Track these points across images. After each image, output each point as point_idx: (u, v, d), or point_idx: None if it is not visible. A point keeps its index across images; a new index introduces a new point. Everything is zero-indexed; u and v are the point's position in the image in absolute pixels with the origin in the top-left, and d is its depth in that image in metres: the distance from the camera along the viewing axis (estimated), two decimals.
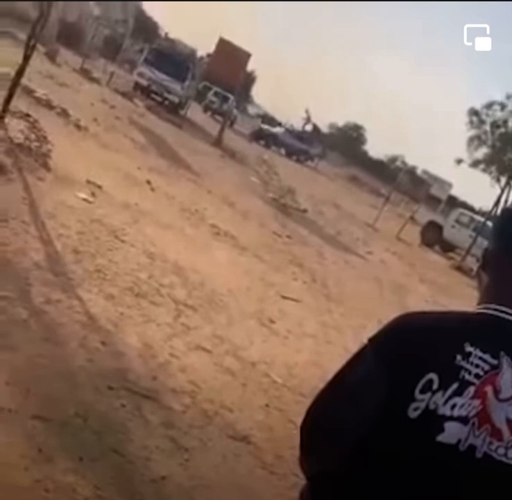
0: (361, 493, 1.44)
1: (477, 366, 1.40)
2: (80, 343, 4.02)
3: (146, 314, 5.02)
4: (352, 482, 1.46)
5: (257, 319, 6.24)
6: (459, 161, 22.18)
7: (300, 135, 40.53)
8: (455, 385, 1.38)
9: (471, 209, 31.77)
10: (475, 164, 22.03)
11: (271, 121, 53.64)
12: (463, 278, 19.09)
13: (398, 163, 61.71)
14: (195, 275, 6.56)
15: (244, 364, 4.91)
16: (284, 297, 7.44)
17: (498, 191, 21.57)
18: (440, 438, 1.38)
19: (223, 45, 29.05)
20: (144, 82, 26.22)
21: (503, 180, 21.47)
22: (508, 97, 21.42)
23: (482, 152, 21.96)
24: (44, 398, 3.25)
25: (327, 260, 11.16)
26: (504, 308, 1.45)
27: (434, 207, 41.37)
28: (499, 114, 21.62)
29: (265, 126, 39.92)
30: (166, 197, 9.64)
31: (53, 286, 4.63)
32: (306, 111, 46.35)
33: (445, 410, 1.38)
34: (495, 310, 1.46)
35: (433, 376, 1.38)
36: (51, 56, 21.23)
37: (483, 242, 21.39)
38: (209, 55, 36.85)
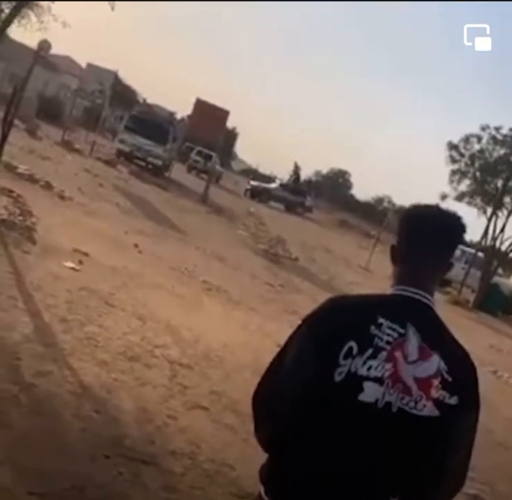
0: (304, 450, 1.69)
1: (388, 334, 1.68)
2: (73, 413, 3.95)
3: (141, 378, 4.96)
4: (296, 442, 1.70)
5: (254, 370, 6.16)
6: (444, 196, 22.41)
7: (294, 188, 40.96)
8: (370, 350, 1.65)
9: (464, 242, 31.89)
10: (460, 197, 22.27)
11: (256, 174, 54.39)
12: (461, 310, 19.05)
13: (386, 204, 62.29)
14: (189, 333, 6.51)
15: (244, 418, 4.81)
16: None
17: (485, 221, 21.78)
18: (361, 397, 1.64)
19: (201, 105, 29.64)
20: (126, 149, 26.61)
21: (489, 210, 21.68)
22: (482, 129, 21.80)
23: (465, 185, 22.21)
24: (38, 473, 3.17)
25: None
26: (408, 288, 1.76)
27: None
28: (476, 147, 21.97)
29: (255, 183, 40.40)
30: (154, 258, 9.66)
31: (43, 358, 4.58)
32: (295, 164, 47.14)
33: (363, 371, 1.65)
34: (402, 290, 1.77)
35: (353, 343, 1.66)
36: (31, 131, 21.61)
37: (476, 273, 21.48)
38: (189, 117, 37.58)
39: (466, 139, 22.15)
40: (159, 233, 12.16)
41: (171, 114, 33.40)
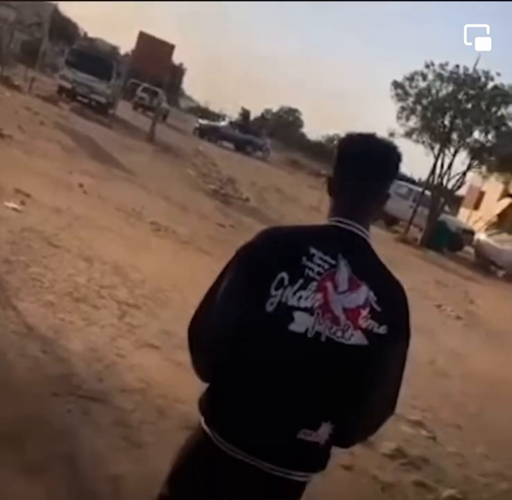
0: (238, 379, 1.72)
1: (319, 265, 1.69)
2: (18, 353, 3.91)
3: (88, 318, 4.93)
4: (231, 372, 1.73)
5: None
6: (392, 134, 22.35)
7: (243, 127, 40.41)
8: (301, 281, 1.67)
9: (412, 181, 32.29)
10: (408, 134, 22.23)
11: (205, 112, 53.36)
12: (408, 248, 19.47)
13: (336, 143, 62.04)
14: (137, 273, 6.47)
15: None
16: None
17: (432, 159, 22.00)
18: (292, 327, 1.66)
19: (145, 39, 28.65)
20: (68, 85, 25.62)
21: (436, 147, 21.85)
22: (427, 66, 21.68)
23: (413, 122, 22.22)
24: None
25: None
26: (342, 220, 1.76)
27: None
28: (422, 84, 21.88)
29: (204, 121, 39.66)
30: (100, 199, 9.47)
31: None
32: (243, 109, 46.32)
33: (293, 301, 1.67)
34: (336, 221, 1.76)
35: (284, 274, 1.67)
36: None
37: (424, 211, 21.86)
38: (133, 52, 36.29)
39: (411, 78, 22.00)
40: (104, 173, 11.88)
41: (114, 48, 32.11)
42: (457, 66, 21.30)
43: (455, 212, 30.59)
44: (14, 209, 7.07)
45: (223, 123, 40.66)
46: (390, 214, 24.30)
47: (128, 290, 5.90)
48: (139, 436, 3.47)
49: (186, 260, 7.98)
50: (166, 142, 21.66)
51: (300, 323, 1.67)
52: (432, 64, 21.66)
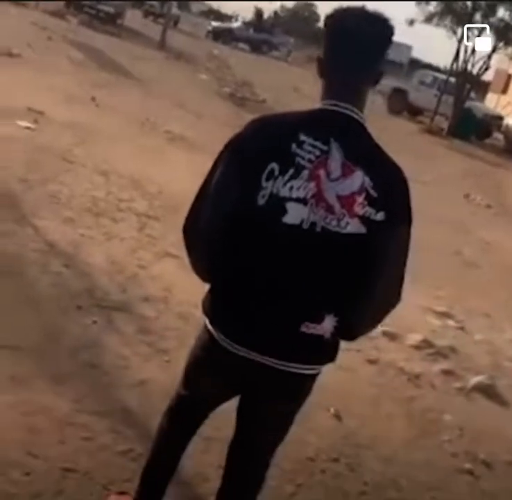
0: (237, 275, 1.70)
1: (310, 152, 1.59)
2: (41, 270, 3.95)
3: (108, 232, 4.94)
4: (229, 268, 1.70)
5: None
6: (411, 21, 21.29)
7: (258, 27, 38.89)
8: (292, 170, 1.59)
9: (437, 69, 30.95)
10: (428, 19, 21.10)
11: (217, 14, 51.38)
12: (434, 139, 18.96)
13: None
14: (154, 185, 6.41)
15: None
16: None
17: (456, 43, 20.94)
18: (286, 219, 1.60)
19: None
20: None
21: (459, 30, 20.76)
22: None
23: (433, 6, 21.01)
24: (9, 327, 3.20)
25: None
26: (334, 102, 1.65)
27: (397, 74, 40.44)
28: None
29: (217, 24, 38.22)
30: (113, 111, 9.28)
31: (5, 219, 4.50)
32: (256, 7, 44.45)
33: (285, 192, 1.59)
34: (328, 104, 1.66)
35: (274, 165, 1.59)
36: None
37: (448, 99, 21.08)
38: None
39: None
40: (115, 84, 11.61)
41: None
42: None
43: (482, 98, 29.49)
44: (28, 127, 6.97)
45: (236, 25, 39.18)
46: (415, 104, 23.56)
47: (147, 202, 5.86)
48: (163, 342, 3.53)
49: (203, 168, 7.86)
50: (178, 48, 20.99)
51: (294, 214, 1.61)
52: None
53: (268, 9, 52.37)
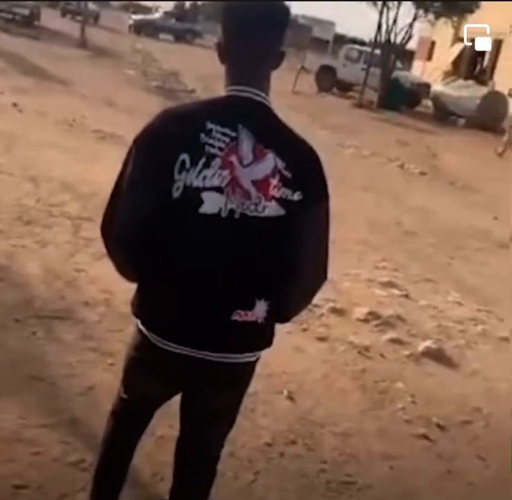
0: (161, 271, 1.67)
1: (219, 140, 1.58)
2: None
3: (42, 239, 4.80)
4: (152, 265, 1.67)
5: None
6: None
7: (180, 16, 38.48)
8: (203, 160, 1.57)
9: (362, 43, 31.21)
10: None
11: (137, 7, 50.55)
12: (365, 112, 19.19)
13: None
14: (87, 186, 6.25)
15: None
16: None
17: (377, 15, 21.16)
18: (203, 209, 1.59)
19: None
20: None
21: (379, 1, 20.97)
22: None
23: None
24: None
25: None
26: (237, 87, 1.64)
27: (323, 51, 40.66)
28: None
29: (138, 17, 37.60)
30: (37, 115, 9.04)
31: None
32: None
33: (199, 182, 1.57)
34: (232, 90, 1.65)
35: (184, 156, 1.57)
36: None
37: (376, 72, 21.33)
38: None
39: None
40: (38, 88, 11.29)
41: None
42: None
43: (408, 67, 29.95)
44: None
45: (157, 15, 38.64)
46: (343, 80, 23.77)
47: (80, 204, 5.73)
48: (108, 345, 3.46)
49: None
50: (100, 46, 20.60)
51: (211, 204, 1.59)
52: None
53: None
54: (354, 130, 14.73)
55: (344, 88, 23.92)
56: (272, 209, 1.61)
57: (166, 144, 1.59)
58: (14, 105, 9.22)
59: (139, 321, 1.77)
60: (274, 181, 1.60)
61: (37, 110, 9.27)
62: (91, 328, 3.65)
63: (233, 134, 1.59)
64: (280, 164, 1.61)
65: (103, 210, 5.47)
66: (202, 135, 1.58)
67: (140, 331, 1.76)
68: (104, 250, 1.74)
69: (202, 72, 19.54)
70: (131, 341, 1.86)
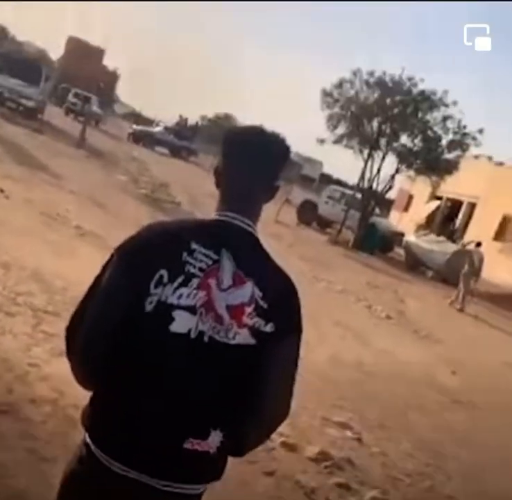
0: (119, 387, 1.61)
1: (201, 261, 1.60)
2: None
3: (2, 327, 4.71)
4: (111, 379, 1.62)
5: None
6: (322, 141, 22.70)
7: (178, 133, 40.13)
8: (181, 278, 1.58)
9: (345, 185, 32.69)
10: (338, 140, 22.51)
11: (139, 118, 52.77)
12: (341, 250, 19.73)
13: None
14: (58, 280, 6.26)
15: None
16: None
17: (362, 164, 22.35)
18: (173, 328, 1.57)
19: (74, 43, 28.07)
20: None
21: (366, 152, 22.24)
22: (354, 73, 21.98)
23: (342, 128, 22.44)
24: None
25: None
26: (228, 213, 1.68)
27: (308, 187, 42.47)
28: (351, 92, 22.15)
29: (138, 127, 39.21)
30: (24, 204, 9.17)
31: None
32: (180, 116, 46.26)
33: (173, 300, 1.57)
34: (221, 215, 1.69)
35: (163, 272, 1.57)
36: None
37: (355, 214, 22.22)
38: (62, 57, 35.47)
39: (339, 84, 22.29)
40: (30, 178, 11.53)
41: (42, 51, 31.26)
42: (384, 73, 21.75)
43: (386, 214, 31.22)
44: None
45: (157, 129, 40.31)
46: (324, 217, 24.67)
47: (48, 297, 5.69)
48: (48, 449, 3.31)
49: None
50: (98, 148, 21.28)
51: (182, 323, 1.57)
52: (359, 71, 22.04)
53: (191, 118, 54.31)
54: (329, 265, 15.08)
55: (324, 224, 24.75)
56: (242, 337, 1.60)
57: (148, 257, 1.60)
58: (1, 191, 9.34)
59: (86, 434, 1.67)
60: (249, 309, 1.60)
61: (25, 199, 9.42)
62: (33, 427, 3.50)
63: (215, 257, 1.61)
64: (257, 294, 1.61)
65: (68, 307, 5.42)
66: (185, 254, 1.59)
67: (86, 445, 1.66)
68: (62, 347, 1.71)
69: (191, 187, 20.22)
70: (75, 452, 1.72)
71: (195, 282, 1.58)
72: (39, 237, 7.68)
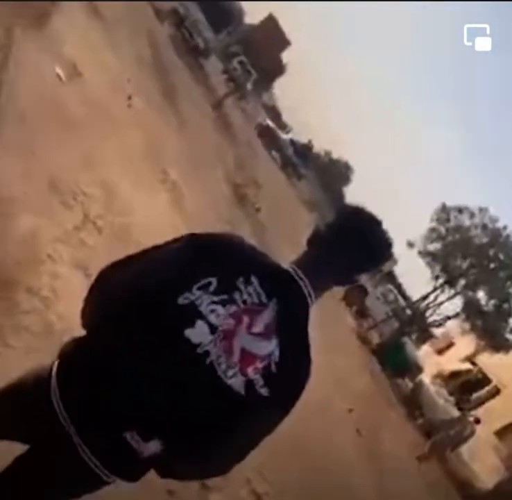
0: (108, 347, 1.62)
1: (250, 294, 1.60)
2: None
3: None
4: (107, 335, 1.63)
5: None
6: (411, 244, 22.33)
7: (298, 151, 39.60)
8: (224, 297, 1.58)
9: (404, 293, 32.09)
10: (425, 255, 22.11)
11: (277, 118, 53.02)
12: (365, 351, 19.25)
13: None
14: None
15: None
16: None
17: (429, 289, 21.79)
18: (187, 333, 1.56)
19: (270, 22, 28.38)
20: None
21: (440, 281, 21.70)
22: (480, 210, 21.56)
23: (434, 247, 21.96)
24: None
25: None
26: (301, 273, 1.68)
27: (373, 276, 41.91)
28: (466, 223, 21.64)
29: (271, 124, 39.08)
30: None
31: None
32: (309, 141, 46.14)
33: (205, 309, 1.57)
34: (295, 269, 1.69)
35: (214, 281, 1.59)
36: None
37: (394, 323, 21.76)
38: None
39: (460, 210, 21.88)
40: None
41: (240, 10, 31.38)
42: (505, 227, 21.14)
43: (419, 344, 30.40)
44: None
45: (285, 136, 39.98)
46: (366, 307, 24.27)
47: None
48: None
49: None
50: (227, 120, 21.29)
51: (198, 333, 1.58)
52: (486, 209, 21.51)
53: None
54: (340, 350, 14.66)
55: (361, 312, 24.37)
56: (237, 383, 1.58)
57: (211, 260, 1.62)
58: (129, 97, 9.30)
59: (56, 363, 1.66)
60: (258, 364, 1.59)
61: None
62: None
63: (265, 300, 1.61)
64: (275, 355, 1.60)
65: None
66: (241, 280, 1.61)
67: (50, 373, 1.65)
68: None
69: (278, 210, 19.94)
70: (37, 368, 1.70)
71: (232, 308, 1.59)
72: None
